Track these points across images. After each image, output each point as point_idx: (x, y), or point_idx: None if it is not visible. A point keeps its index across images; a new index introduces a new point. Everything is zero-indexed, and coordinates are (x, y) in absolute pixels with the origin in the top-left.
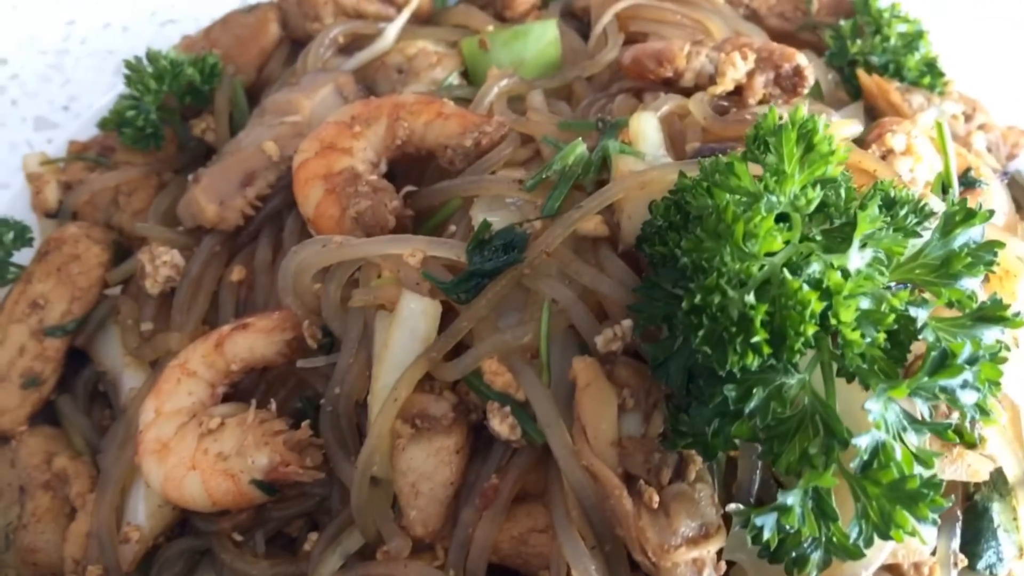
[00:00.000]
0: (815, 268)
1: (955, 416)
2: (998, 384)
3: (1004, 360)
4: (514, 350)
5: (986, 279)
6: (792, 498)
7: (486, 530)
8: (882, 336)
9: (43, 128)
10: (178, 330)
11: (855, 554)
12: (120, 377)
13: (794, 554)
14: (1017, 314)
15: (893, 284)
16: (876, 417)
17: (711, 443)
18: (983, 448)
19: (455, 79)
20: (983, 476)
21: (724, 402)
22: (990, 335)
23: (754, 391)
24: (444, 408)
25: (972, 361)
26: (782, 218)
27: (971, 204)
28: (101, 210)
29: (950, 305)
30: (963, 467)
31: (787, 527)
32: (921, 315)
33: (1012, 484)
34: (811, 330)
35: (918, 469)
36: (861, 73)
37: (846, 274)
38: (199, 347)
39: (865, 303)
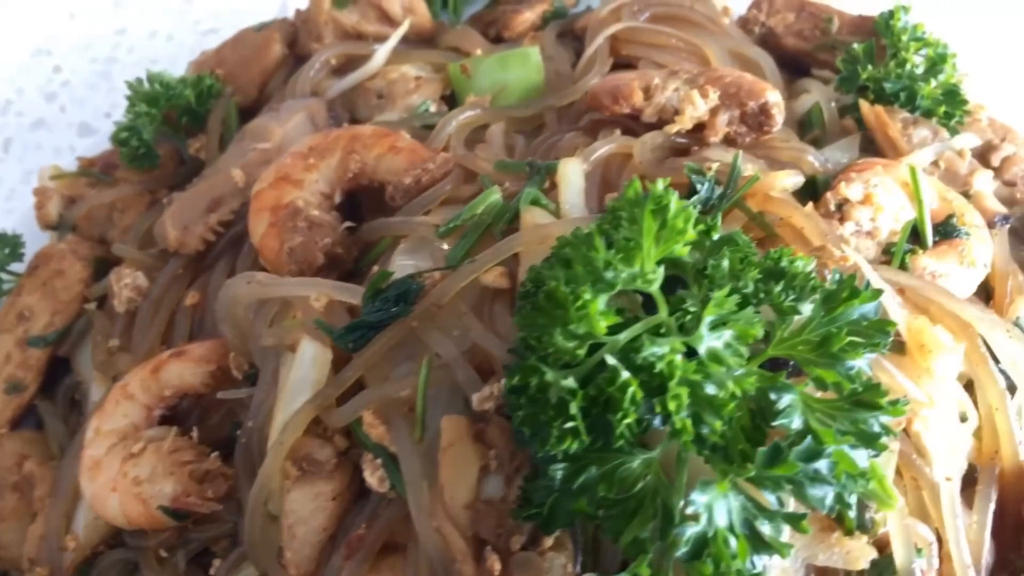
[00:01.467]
0: (654, 351)
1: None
2: (861, 475)
3: (882, 448)
4: (394, 402)
5: (904, 354)
6: None
7: None
8: (719, 424)
9: (86, 134)
10: (132, 351)
11: None
12: (89, 388)
13: None
14: (897, 401)
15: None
16: (698, 508)
17: (547, 518)
18: (874, 534)
19: (432, 105)
20: (862, 564)
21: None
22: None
23: (586, 470)
24: (328, 454)
25: (812, 457)
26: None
27: (949, 255)
28: (97, 225)
29: (823, 387)
30: (840, 554)
31: None
32: (785, 399)
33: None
34: (631, 417)
35: (760, 559)
36: (862, 103)
37: (693, 356)
38: (139, 371)
39: (711, 388)
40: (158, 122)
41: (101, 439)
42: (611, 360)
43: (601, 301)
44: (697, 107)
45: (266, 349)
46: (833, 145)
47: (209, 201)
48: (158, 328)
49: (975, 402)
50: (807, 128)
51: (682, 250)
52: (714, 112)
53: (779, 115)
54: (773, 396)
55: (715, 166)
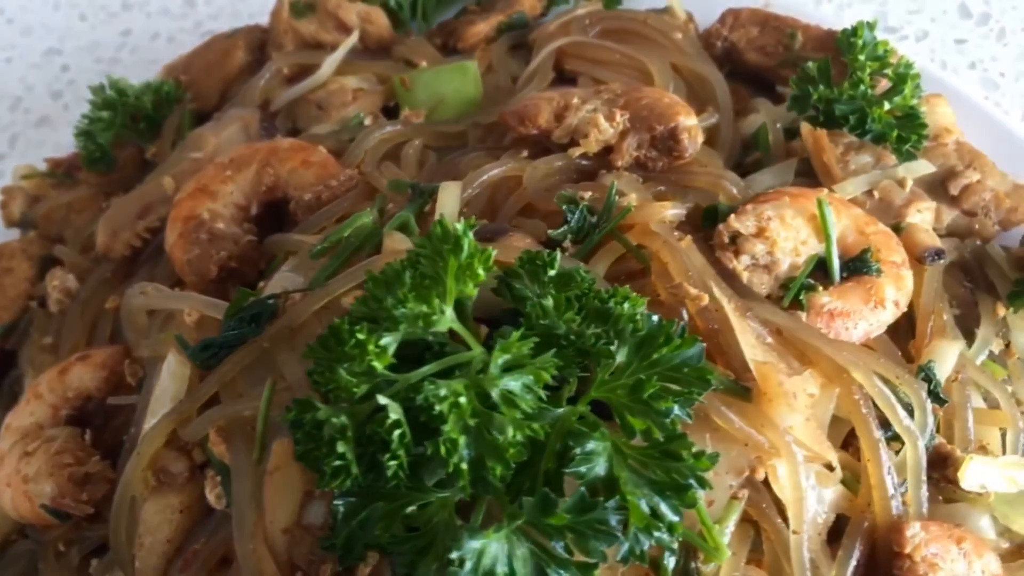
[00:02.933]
0: (436, 392)
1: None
2: (670, 527)
3: (692, 500)
4: (239, 421)
5: (750, 400)
6: None
7: None
8: (499, 469)
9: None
10: (58, 350)
11: None
12: (25, 383)
13: None
14: (701, 453)
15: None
16: (465, 553)
17: (342, 548)
18: None
19: (368, 119)
20: None
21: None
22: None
23: (368, 506)
24: (182, 467)
25: (587, 508)
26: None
27: (854, 293)
28: (55, 225)
29: (631, 434)
30: None
31: None
32: (589, 445)
33: None
34: (401, 459)
35: None
36: (804, 125)
37: (486, 401)
38: (51, 371)
39: (494, 432)
40: (117, 127)
41: (9, 435)
42: (382, 400)
43: (388, 339)
44: (602, 130)
45: (146, 359)
46: (766, 170)
47: (140, 208)
48: (82, 330)
49: None
50: (752, 150)
51: (471, 291)
52: (623, 135)
53: (689, 141)
54: (571, 442)
55: (588, 195)
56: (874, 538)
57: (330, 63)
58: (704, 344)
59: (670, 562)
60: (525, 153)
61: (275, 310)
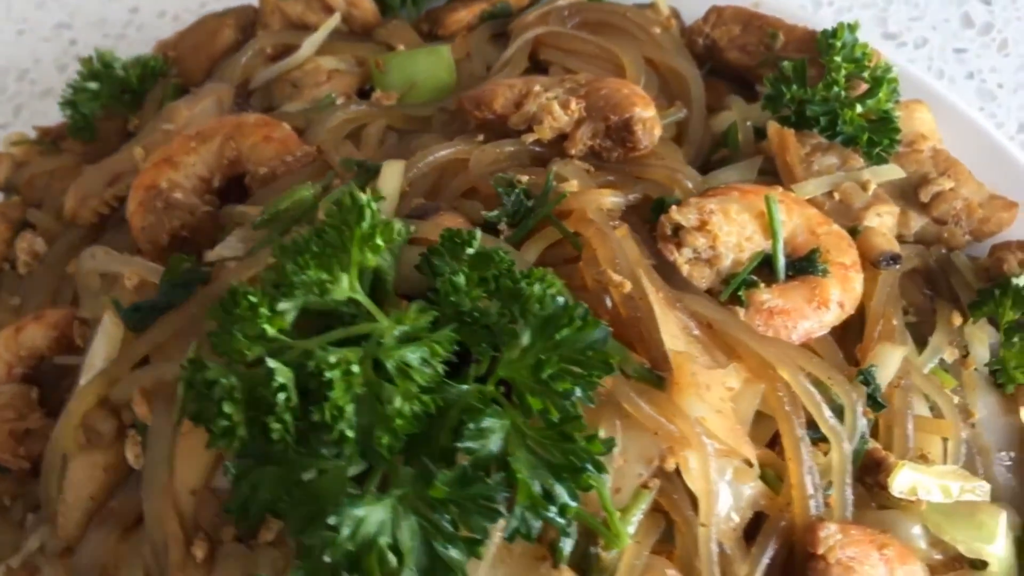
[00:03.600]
0: (327, 359)
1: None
2: (562, 509)
3: (586, 483)
4: (163, 384)
5: (664, 389)
6: None
7: (95, 547)
8: (385, 439)
9: None
10: (16, 314)
11: None
12: None
13: None
14: (594, 436)
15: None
16: (342, 521)
17: (239, 511)
18: (601, 570)
19: (340, 99)
20: None
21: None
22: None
23: (259, 469)
24: (109, 427)
25: (468, 482)
26: None
27: (797, 292)
28: (37, 191)
29: (529, 414)
30: None
31: None
32: (487, 422)
33: None
34: (286, 422)
35: None
36: (771, 123)
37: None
38: (8, 329)
39: (384, 402)
40: (103, 98)
41: None
42: (270, 363)
43: (285, 304)
44: (556, 117)
45: (91, 320)
46: (729, 167)
47: (109, 176)
48: (45, 292)
49: None
50: (722, 147)
51: (371, 261)
52: (578, 124)
53: (643, 133)
54: (466, 418)
55: (525, 179)
56: (792, 538)
57: (310, 43)
58: (610, 329)
59: (566, 544)
60: (481, 138)
61: (206, 277)
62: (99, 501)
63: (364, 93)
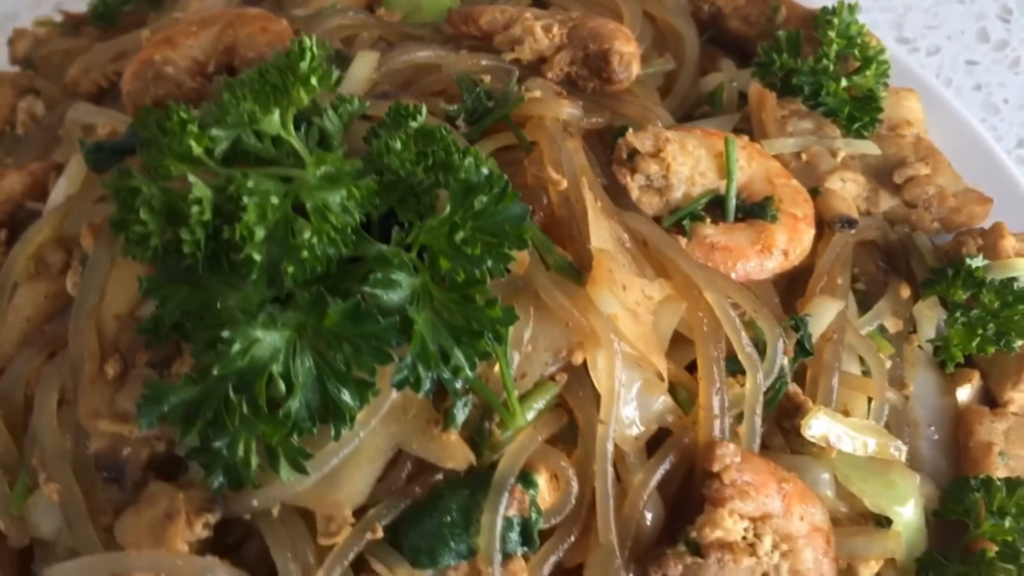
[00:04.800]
0: (247, 186)
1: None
2: (455, 370)
3: (484, 349)
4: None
5: (581, 284)
6: None
7: (22, 365)
8: (291, 268)
9: None
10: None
11: None
12: None
13: None
14: (495, 301)
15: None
16: (237, 335)
17: (152, 332)
18: (492, 445)
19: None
20: (450, 465)
21: None
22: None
23: (176, 288)
24: (58, 259)
25: (362, 318)
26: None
27: (743, 233)
28: (52, 68)
29: (437, 273)
30: (434, 449)
31: None
32: (397, 275)
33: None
34: (198, 235)
35: None
36: (753, 83)
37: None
38: None
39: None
40: None
41: None
42: (192, 178)
43: (217, 131)
44: (537, 39)
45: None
46: (706, 119)
47: (114, 53)
48: (37, 151)
49: None
50: (705, 104)
51: (302, 100)
52: (557, 50)
53: (619, 65)
54: (378, 267)
55: (488, 79)
56: (693, 458)
57: None
58: (528, 207)
59: (459, 412)
60: (464, 52)
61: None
62: (35, 324)
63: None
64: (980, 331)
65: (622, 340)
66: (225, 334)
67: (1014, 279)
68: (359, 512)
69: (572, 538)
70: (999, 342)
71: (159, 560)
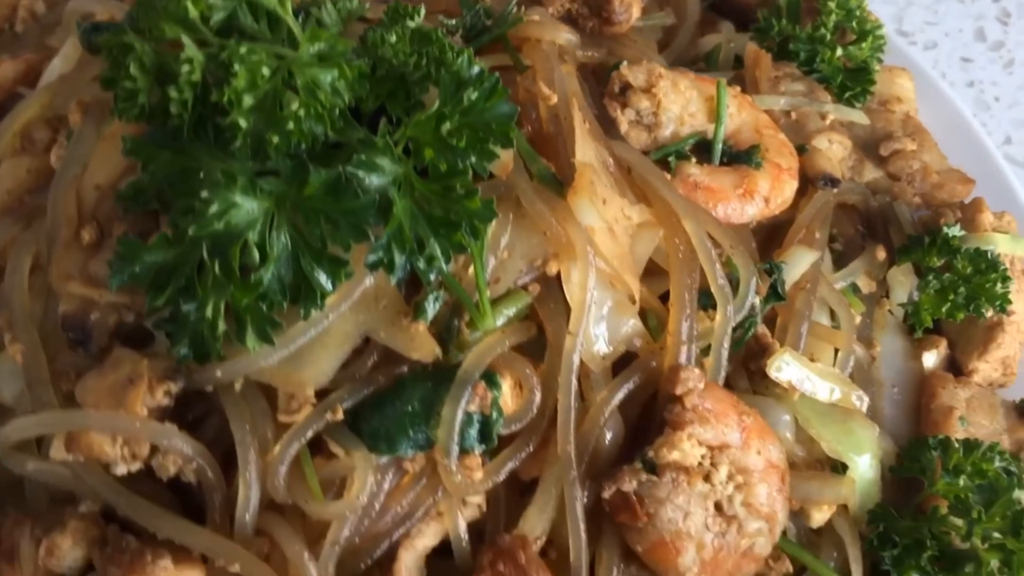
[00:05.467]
0: (240, 52)
1: None
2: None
3: (460, 245)
4: (103, 100)
5: (562, 196)
6: None
7: None
8: (275, 138)
9: None
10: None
11: None
12: None
13: None
14: (475, 192)
15: None
16: (216, 196)
17: (131, 199)
18: (459, 344)
19: None
20: (416, 356)
21: None
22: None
23: (160, 152)
24: (43, 135)
25: (340, 192)
26: None
27: (726, 176)
28: None
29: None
30: (403, 339)
31: None
32: (381, 160)
33: None
34: (186, 94)
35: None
36: (750, 44)
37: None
38: None
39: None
40: None
41: None
42: (185, 39)
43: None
44: None
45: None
46: (702, 74)
47: None
48: (33, 46)
49: None
50: (699, 62)
51: None
52: None
53: (620, 6)
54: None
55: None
56: (657, 383)
57: None
58: (518, 108)
59: (430, 306)
60: None
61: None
62: (16, 196)
63: None
64: (951, 296)
65: (598, 255)
66: (204, 194)
67: (989, 249)
68: (321, 395)
69: (531, 447)
70: (969, 307)
71: (117, 421)
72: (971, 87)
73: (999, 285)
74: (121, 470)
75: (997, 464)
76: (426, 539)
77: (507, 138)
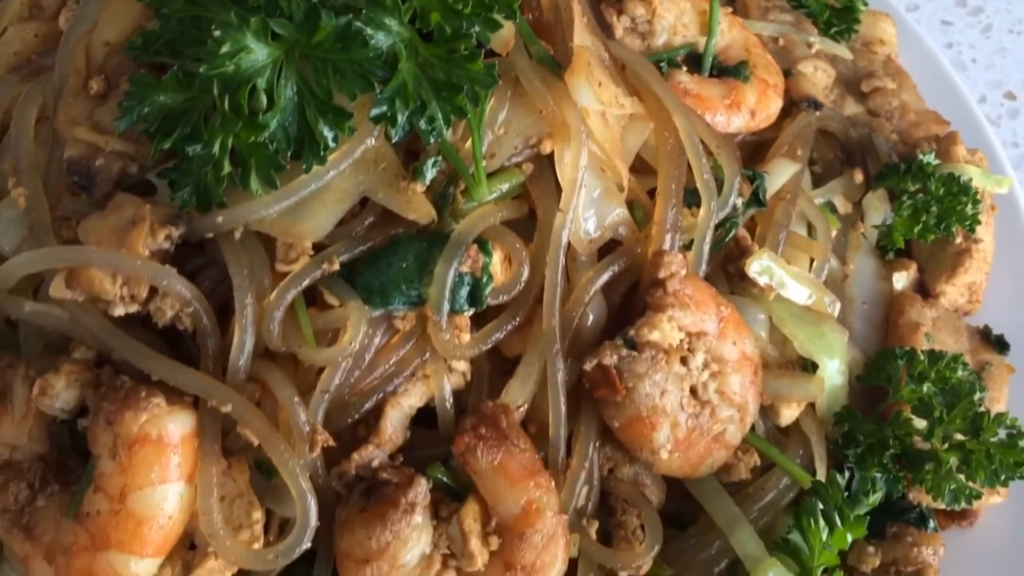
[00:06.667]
0: None
1: None
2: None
3: (461, 109)
4: None
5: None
6: None
7: (4, 89)
8: None
9: None
10: None
11: None
12: None
13: None
14: (477, 54)
15: None
16: (229, 36)
17: (141, 46)
18: (455, 211)
19: None
20: (411, 216)
21: None
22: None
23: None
24: (52, 3)
25: (348, 38)
26: None
27: (715, 87)
28: None
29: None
30: (399, 200)
31: None
32: (389, 21)
33: None
34: None
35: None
36: None
37: None
38: None
39: None
40: None
41: None
42: None
43: None
44: None
45: None
46: None
47: None
48: None
49: None
50: None
51: None
52: None
53: None
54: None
55: None
56: (640, 270)
57: None
58: None
59: (428, 171)
60: None
61: None
62: (23, 57)
63: None
64: (923, 217)
65: (591, 138)
66: (217, 33)
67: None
68: (318, 250)
69: (517, 320)
70: (940, 227)
71: (119, 259)
72: (949, 48)
73: (970, 207)
74: (119, 311)
75: (960, 374)
76: (412, 399)
77: (511, 9)
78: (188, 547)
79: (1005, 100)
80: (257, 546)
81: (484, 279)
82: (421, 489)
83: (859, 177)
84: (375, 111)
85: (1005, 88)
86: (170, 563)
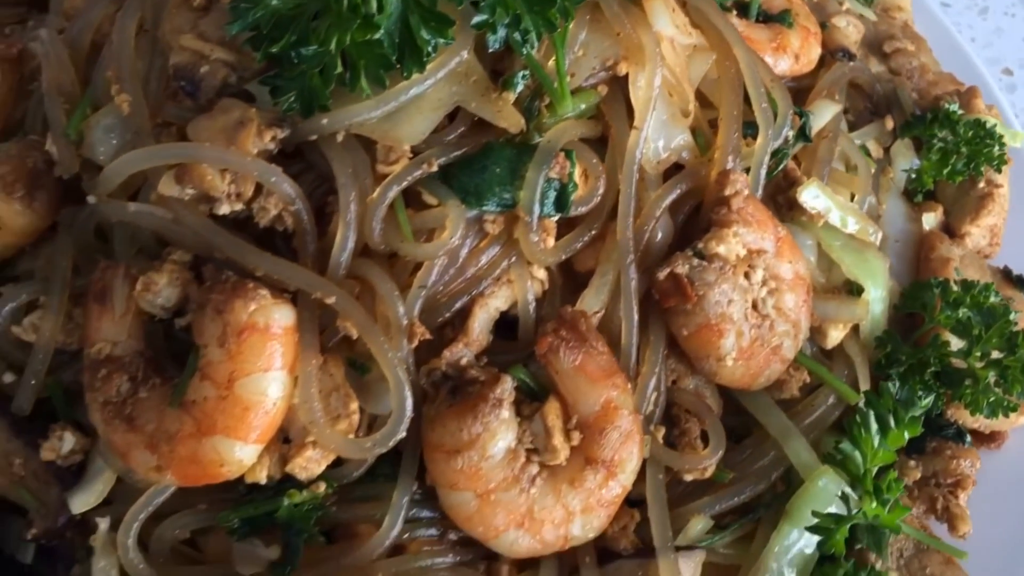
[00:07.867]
0: None
1: None
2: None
3: (552, 23)
4: None
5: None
6: None
7: (94, 11)
8: None
9: None
10: None
11: None
12: None
13: None
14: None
15: None
16: None
17: None
18: (539, 125)
19: None
20: (502, 123)
21: None
22: None
23: None
24: None
25: None
26: None
27: (762, 31)
28: None
29: None
30: (490, 109)
31: None
32: None
33: None
34: None
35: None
36: None
37: None
38: None
39: None
40: None
41: None
42: None
43: None
44: None
45: None
46: None
47: None
48: None
49: None
50: None
51: None
52: None
53: None
54: None
55: None
56: (704, 192)
57: None
58: None
59: (518, 83)
60: None
61: None
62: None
63: None
64: (952, 159)
65: (663, 63)
66: None
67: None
68: (415, 155)
69: (593, 231)
70: (968, 168)
71: (229, 156)
72: None
73: (996, 148)
74: (224, 209)
75: (993, 299)
76: (498, 301)
77: None
78: (282, 441)
79: (1003, 76)
80: (353, 436)
81: (570, 185)
82: (507, 386)
83: (890, 123)
84: (477, 18)
85: (1003, 65)
86: (268, 454)
